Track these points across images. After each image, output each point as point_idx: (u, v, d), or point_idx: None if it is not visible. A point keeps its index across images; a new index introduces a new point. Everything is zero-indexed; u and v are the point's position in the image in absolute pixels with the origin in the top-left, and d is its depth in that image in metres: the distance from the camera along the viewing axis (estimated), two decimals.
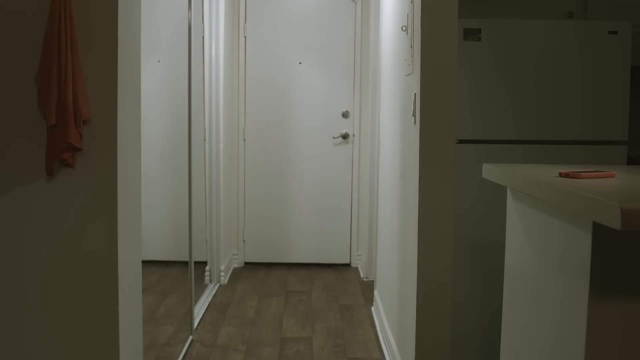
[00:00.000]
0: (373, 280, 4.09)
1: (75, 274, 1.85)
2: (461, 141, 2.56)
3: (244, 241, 4.71)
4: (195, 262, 3.20)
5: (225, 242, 4.36)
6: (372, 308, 3.70)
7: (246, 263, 4.76)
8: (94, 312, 1.86)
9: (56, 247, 1.84)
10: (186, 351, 2.98)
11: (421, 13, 2.19)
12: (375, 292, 3.64)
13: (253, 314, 3.59)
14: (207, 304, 3.72)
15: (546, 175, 1.55)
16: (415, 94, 2.30)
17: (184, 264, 3.25)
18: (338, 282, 4.31)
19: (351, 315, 3.60)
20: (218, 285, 4.12)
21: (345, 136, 4.64)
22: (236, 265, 4.69)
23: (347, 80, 4.63)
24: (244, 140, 4.64)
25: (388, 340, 2.97)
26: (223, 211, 4.23)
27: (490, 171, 1.85)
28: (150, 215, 4.25)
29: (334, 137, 4.65)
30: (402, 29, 2.65)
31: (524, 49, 2.54)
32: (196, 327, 3.32)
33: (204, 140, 3.95)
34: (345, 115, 4.64)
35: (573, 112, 2.57)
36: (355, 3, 4.59)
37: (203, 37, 3.88)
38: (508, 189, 1.90)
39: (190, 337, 3.13)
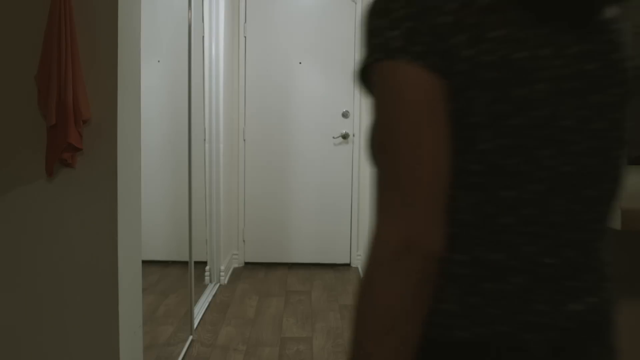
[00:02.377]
0: None
1: (75, 274, 1.85)
2: None
3: (244, 241, 4.71)
4: (195, 262, 3.20)
5: (225, 242, 4.36)
6: None
7: (246, 263, 4.76)
8: (94, 312, 1.86)
9: (56, 247, 1.84)
10: (186, 351, 2.98)
11: None
12: None
13: (253, 314, 3.59)
14: (207, 303, 3.72)
15: None
16: None
17: (184, 264, 3.25)
18: (338, 282, 4.31)
19: (351, 315, 3.60)
20: (218, 285, 4.12)
21: (345, 136, 4.64)
22: (236, 265, 4.69)
23: (347, 80, 4.63)
24: (244, 140, 4.64)
25: None
26: (223, 211, 4.23)
27: None
28: (150, 215, 4.25)
29: (334, 137, 4.65)
30: None
31: None
32: (196, 327, 3.32)
33: (204, 140, 3.95)
34: (345, 115, 4.64)
35: None
36: (355, 3, 4.59)
37: (203, 37, 3.88)
38: None
39: (190, 337, 3.13)
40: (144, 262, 2.22)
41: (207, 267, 4.06)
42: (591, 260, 0.65)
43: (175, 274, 4.19)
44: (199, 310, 3.50)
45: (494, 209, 0.60)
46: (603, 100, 0.62)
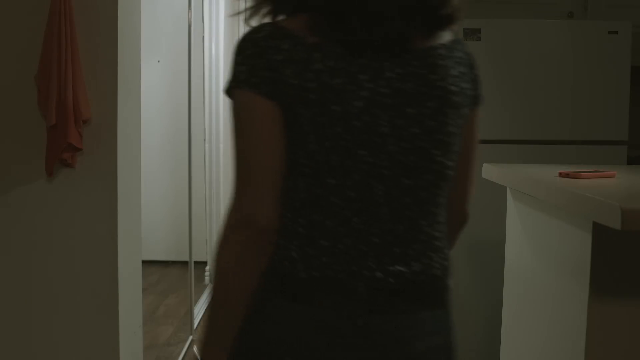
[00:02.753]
0: None
1: (75, 274, 1.85)
2: None
3: None
4: (195, 262, 3.20)
5: None
6: None
7: None
8: (94, 311, 1.86)
9: (56, 247, 1.84)
10: (186, 351, 2.98)
11: None
12: None
13: None
14: (207, 303, 3.73)
15: (546, 175, 1.55)
16: None
17: (184, 264, 3.26)
18: None
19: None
20: None
21: None
22: None
23: None
24: None
25: None
26: (223, 211, 4.23)
27: (490, 171, 1.85)
28: (150, 215, 4.25)
29: None
30: None
31: (524, 49, 2.54)
32: (196, 327, 3.32)
33: (204, 140, 3.95)
34: None
35: (573, 112, 2.57)
36: None
37: (203, 37, 3.88)
38: (508, 189, 1.90)
39: (190, 337, 3.13)
40: (144, 262, 2.22)
41: (207, 267, 4.06)
42: (417, 233, 0.82)
43: (175, 274, 4.19)
44: (199, 310, 3.50)
45: (322, 191, 0.78)
46: (419, 111, 0.79)
